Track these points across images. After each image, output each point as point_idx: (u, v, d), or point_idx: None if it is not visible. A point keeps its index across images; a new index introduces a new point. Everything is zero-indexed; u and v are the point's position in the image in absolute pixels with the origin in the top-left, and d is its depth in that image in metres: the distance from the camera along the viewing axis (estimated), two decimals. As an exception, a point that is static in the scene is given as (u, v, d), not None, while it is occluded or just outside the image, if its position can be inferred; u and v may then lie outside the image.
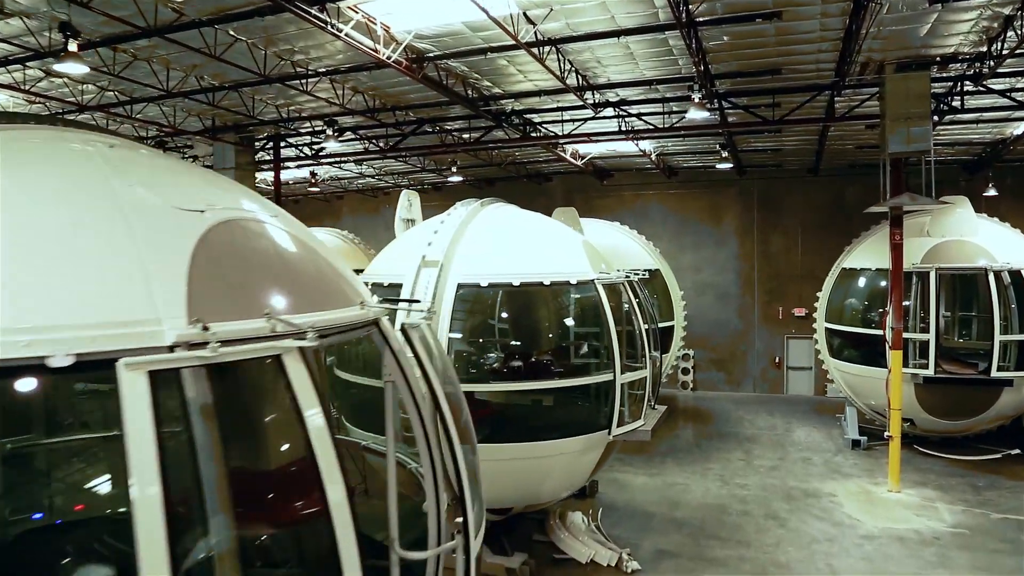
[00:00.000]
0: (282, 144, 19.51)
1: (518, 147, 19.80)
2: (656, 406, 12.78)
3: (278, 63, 12.62)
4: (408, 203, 13.43)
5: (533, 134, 17.50)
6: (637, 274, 12.84)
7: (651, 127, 16.32)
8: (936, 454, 16.12)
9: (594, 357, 10.96)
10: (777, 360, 23.91)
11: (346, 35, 10.49)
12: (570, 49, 12.14)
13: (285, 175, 24.37)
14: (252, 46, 11.92)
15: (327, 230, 24.02)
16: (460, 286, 10.42)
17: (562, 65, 12.43)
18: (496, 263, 10.66)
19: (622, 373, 10.61)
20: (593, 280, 10.68)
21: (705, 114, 13.70)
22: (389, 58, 11.28)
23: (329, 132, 16.00)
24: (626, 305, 11.43)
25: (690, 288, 24.66)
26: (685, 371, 24.80)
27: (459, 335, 10.48)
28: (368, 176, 25.04)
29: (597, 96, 14.90)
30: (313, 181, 23.32)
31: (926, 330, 15.12)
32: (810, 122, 15.97)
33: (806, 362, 23.61)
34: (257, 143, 19.18)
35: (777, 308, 23.82)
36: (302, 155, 19.45)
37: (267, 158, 19.71)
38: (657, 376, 12.92)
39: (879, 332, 15.89)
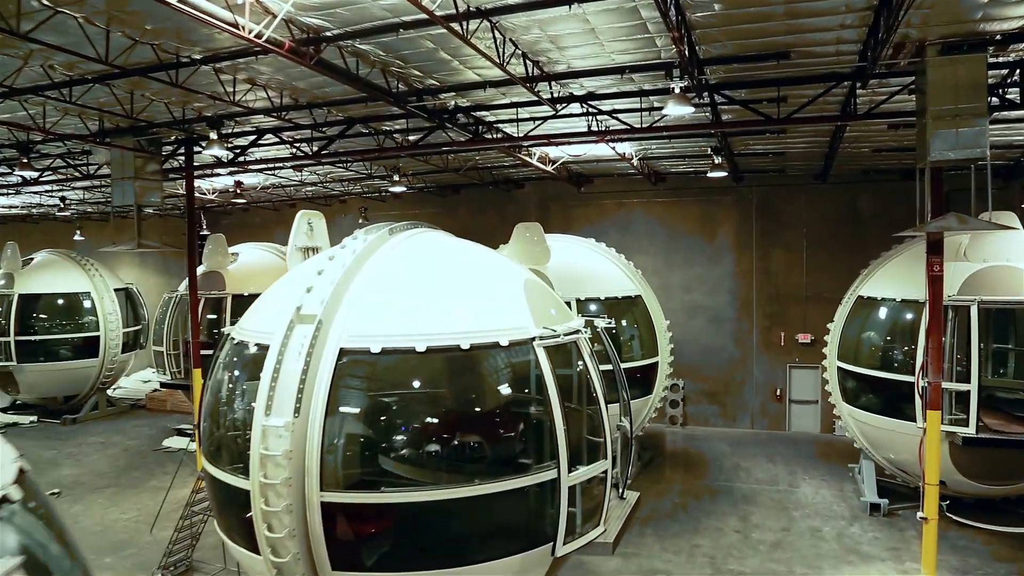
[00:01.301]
0: (200, 150, 16.50)
1: (473, 151, 16.82)
2: (624, 494, 9.88)
3: (130, 45, 9.63)
4: (308, 228, 10.46)
5: (488, 135, 14.53)
6: (608, 322, 9.88)
7: (627, 127, 13.37)
8: (974, 524, 13.18)
9: (532, 448, 8.01)
10: (778, 393, 20.97)
11: (192, 5, 7.55)
12: (511, 25, 9.18)
13: (219, 183, 21.42)
14: (87, 21, 8.93)
15: (260, 245, 21.05)
16: (344, 352, 7.49)
17: (501, 48, 9.46)
18: (397, 319, 7.74)
19: (570, 470, 7.68)
20: (532, 340, 7.74)
21: (689, 110, 10.76)
22: (260, 36, 8.31)
23: (213, 136, 12.99)
24: (580, 366, 8.51)
25: (679, 310, 21.74)
26: (674, 404, 21.86)
27: (340, 425, 7.52)
28: (311, 184, 22.04)
29: (557, 88, 11.94)
30: (238, 191, 20.32)
31: (965, 377, 12.21)
32: (824, 121, 13.00)
33: (811, 395, 20.68)
34: (166, 149, 16.17)
35: (779, 334, 20.88)
36: (222, 162, 16.42)
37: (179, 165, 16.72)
38: (628, 452, 9.97)
39: (905, 378, 12.97)
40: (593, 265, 16.53)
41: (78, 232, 31.53)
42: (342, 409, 7.54)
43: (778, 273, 20.86)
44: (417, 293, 8.04)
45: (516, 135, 14.06)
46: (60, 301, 23.22)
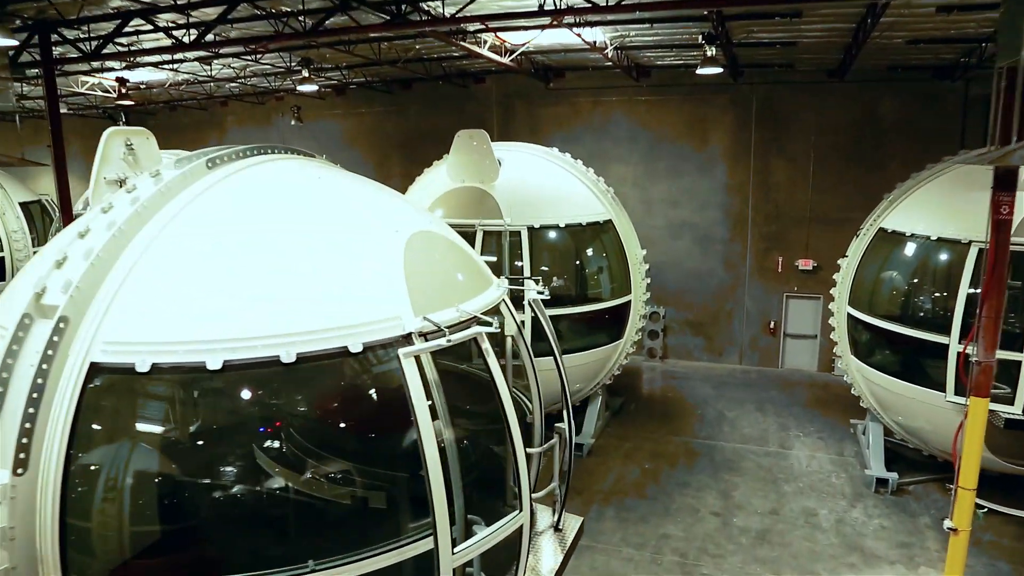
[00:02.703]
0: (65, 38, 12.98)
1: (393, 39, 13.38)
2: (562, 523, 7.31)
3: None
4: (127, 151, 7.24)
5: (413, 16, 11.11)
6: (540, 290, 7.02)
7: (591, 5, 10.02)
8: (1004, 509, 10.85)
9: (395, 509, 5.32)
10: (772, 325, 18.38)
11: None
12: None
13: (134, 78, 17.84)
14: None
15: (168, 153, 17.73)
16: (97, 370, 4.61)
17: None
18: (187, 314, 4.82)
19: (456, 545, 5.03)
20: (400, 342, 4.92)
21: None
22: None
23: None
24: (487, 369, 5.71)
25: (662, 228, 18.86)
26: (653, 335, 19.32)
27: (89, 488, 4.77)
28: (228, 80, 18.48)
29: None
30: (123, 90, 16.79)
31: (1013, 343, 9.55)
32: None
33: (810, 329, 18.12)
34: (11, 37, 12.66)
35: (776, 258, 18.06)
36: (85, 53, 12.92)
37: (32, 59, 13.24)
38: (567, 467, 7.31)
39: (935, 338, 10.29)
40: (553, 182, 13.46)
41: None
42: (91, 462, 4.78)
43: (779, 188, 17.80)
44: (227, 269, 5.08)
45: (445, 16, 10.64)
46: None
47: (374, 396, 5.23)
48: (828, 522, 10.89)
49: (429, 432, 4.76)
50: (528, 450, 6.84)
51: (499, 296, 6.21)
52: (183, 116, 24.57)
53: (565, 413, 7.15)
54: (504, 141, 15.51)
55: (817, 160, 17.15)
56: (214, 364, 4.60)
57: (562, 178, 13.67)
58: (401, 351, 4.86)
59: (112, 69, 16.47)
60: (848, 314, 12.04)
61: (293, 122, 21.39)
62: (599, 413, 14.37)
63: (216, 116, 24.17)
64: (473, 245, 12.41)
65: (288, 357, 4.71)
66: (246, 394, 5.02)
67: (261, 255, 5.18)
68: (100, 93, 19.28)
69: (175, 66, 15.65)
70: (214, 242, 5.21)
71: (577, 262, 13.83)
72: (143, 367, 4.59)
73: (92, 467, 4.78)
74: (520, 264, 12.53)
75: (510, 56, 14.98)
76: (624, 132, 18.97)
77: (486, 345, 5.40)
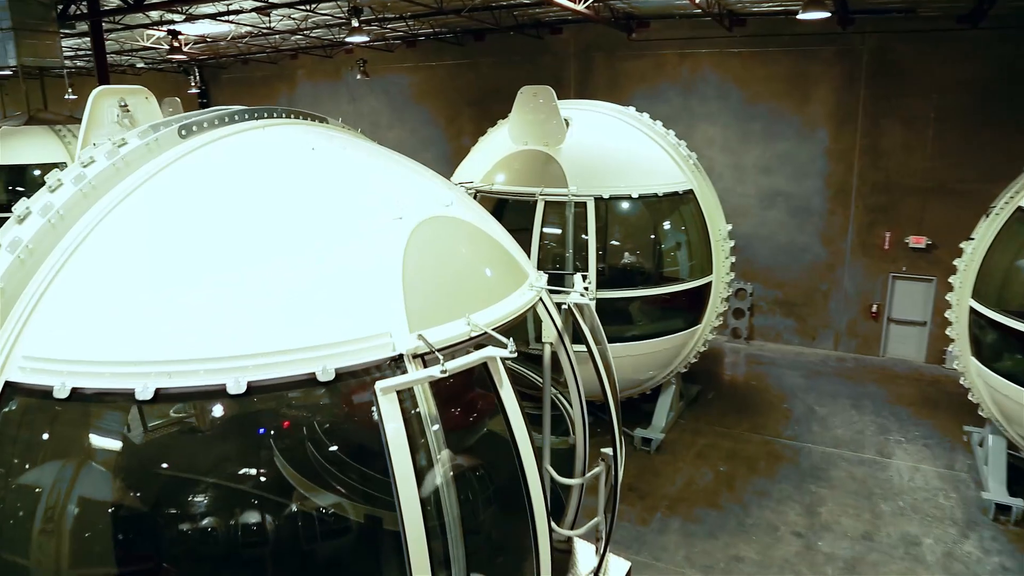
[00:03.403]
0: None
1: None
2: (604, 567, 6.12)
3: None
4: (122, 112, 6.27)
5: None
6: (585, 290, 5.73)
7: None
8: None
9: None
10: (875, 309, 16.39)
11: None
12: None
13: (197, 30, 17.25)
14: None
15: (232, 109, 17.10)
16: (12, 390, 3.72)
17: None
18: (125, 324, 3.82)
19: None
20: (384, 367, 3.82)
21: None
22: None
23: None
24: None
25: (753, 197, 17.06)
26: (738, 313, 17.65)
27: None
28: (291, 32, 17.58)
29: None
30: (175, 44, 16.09)
31: None
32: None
33: (919, 315, 16.05)
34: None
35: (882, 234, 15.98)
36: (134, 3, 12.20)
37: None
38: (612, 502, 6.05)
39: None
40: (627, 146, 11.97)
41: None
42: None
43: (891, 154, 15.62)
44: (175, 270, 4.02)
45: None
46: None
47: (350, 438, 4.14)
48: (933, 555, 9.29)
49: (411, 499, 3.65)
50: (566, 480, 5.72)
51: (529, 300, 5.00)
52: (255, 70, 24.04)
53: (614, 437, 5.91)
54: (581, 98, 14.10)
55: (939, 123, 14.86)
56: (144, 393, 3.62)
57: (638, 141, 12.15)
58: (378, 385, 3.74)
59: (172, 22, 15.85)
60: (971, 308, 10.19)
61: (359, 76, 20.43)
62: (672, 403, 13.02)
63: (286, 70, 23.51)
64: (533, 217, 11.15)
65: (236, 387, 3.68)
66: (183, 431, 4.02)
67: (219, 252, 4.12)
68: (166, 47, 18.82)
69: (230, 18, 14.83)
70: (163, 234, 4.19)
71: (651, 237, 12.38)
72: (61, 392, 3.67)
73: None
74: (585, 238, 11.19)
75: (586, 2, 13.40)
76: (713, 89, 17.09)
77: (500, 375, 4.20)
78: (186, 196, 4.33)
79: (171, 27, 15.57)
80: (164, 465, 4.09)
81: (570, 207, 10.99)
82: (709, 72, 17.07)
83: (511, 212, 11.73)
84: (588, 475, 5.66)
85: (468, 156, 13.28)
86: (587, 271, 10.89)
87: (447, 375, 3.81)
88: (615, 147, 11.85)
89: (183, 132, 4.86)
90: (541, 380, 5.74)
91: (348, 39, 14.41)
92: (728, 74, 16.90)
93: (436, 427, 4.15)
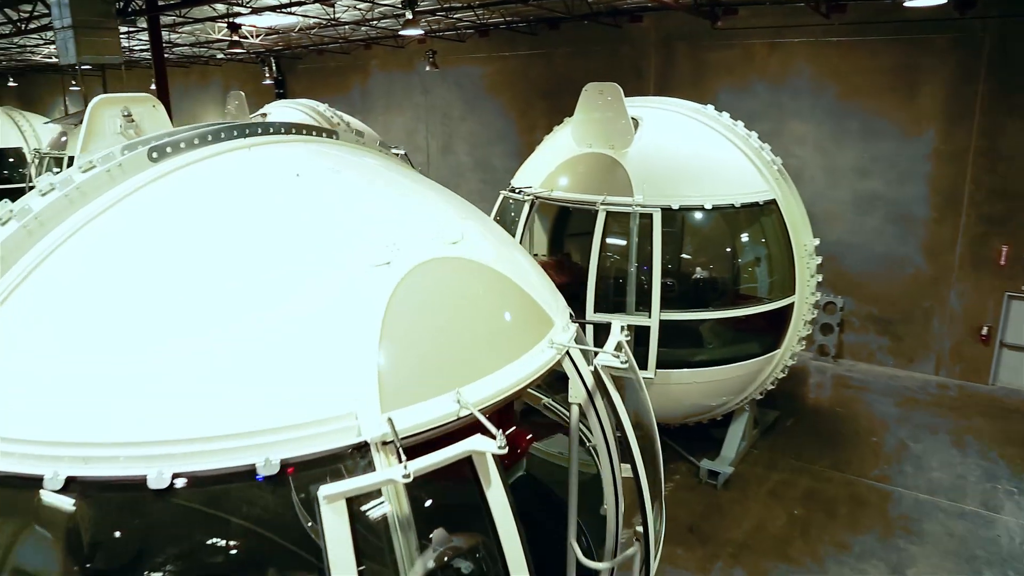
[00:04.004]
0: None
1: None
2: None
3: None
4: (125, 122, 5.74)
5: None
6: (625, 334, 4.83)
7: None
8: None
9: None
10: (985, 331, 14.59)
11: None
12: None
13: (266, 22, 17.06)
14: None
15: (296, 103, 16.80)
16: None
17: None
18: (45, 395, 3.25)
19: None
20: (344, 457, 3.07)
21: None
22: None
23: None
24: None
25: (848, 203, 15.52)
26: (827, 328, 16.15)
27: None
28: (356, 23, 17.09)
29: None
30: (235, 37, 15.80)
31: None
32: None
33: (1038, 340, 14.20)
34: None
35: (998, 247, 14.17)
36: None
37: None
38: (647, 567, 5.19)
39: None
40: (702, 150, 10.80)
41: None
42: None
43: (1012, 157, 13.77)
44: (113, 328, 3.33)
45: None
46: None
47: (298, 547, 3.39)
48: (1049, 642, 7.92)
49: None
50: (593, 563, 4.85)
51: (546, 363, 4.17)
52: (329, 60, 23.84)
53: (644, 511, 5.01)
54: (662, 93, 13.01)
55: (1073, 123, 12.97)
56: (53, 483, 3.01)
57: (715, 144, 10.95)
58: (322, 491, 2.99)
59: (238, 15, 15.63)
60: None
61: (428, 67, 19.82)
62: (745, 431, 11.86)
63: (360, 60, 23.18)
64: (593, 229, 10.20)
65: (159, 480, 3.02)
66: (99, 529, 3.36)
67: (157, 311, 3.42)
68: (242, 39, 18.75)
69: (293, 9, 14.44)
70: (93, 289, 3.54)
71: (726, 252, 11.21)
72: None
73: None
74: (650, 249, 10.15)
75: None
76: (806, 83, 15.57)
77: (488, 473, 3.38)
78: (129, 239, 3.67)
79: (234, 20, 15.36)
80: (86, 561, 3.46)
81: (635, 218, 9.97)
82: (802, 64, 15.55)
83: (576, 218, 10.85)
84: (619, 558, 4.88)
85: (532, 155, 12.44)
86: (651, 288, 9.88)
87: (409, 481, 3.02)
88: (688, 151, 10.72)
89: (154, 155, 4.23)
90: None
91: (402, 32, 13.75)
92: (823, 66, 15.34)
93: (409, 534, 3.39)
